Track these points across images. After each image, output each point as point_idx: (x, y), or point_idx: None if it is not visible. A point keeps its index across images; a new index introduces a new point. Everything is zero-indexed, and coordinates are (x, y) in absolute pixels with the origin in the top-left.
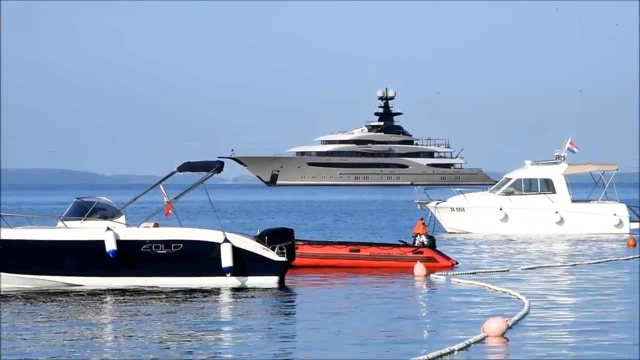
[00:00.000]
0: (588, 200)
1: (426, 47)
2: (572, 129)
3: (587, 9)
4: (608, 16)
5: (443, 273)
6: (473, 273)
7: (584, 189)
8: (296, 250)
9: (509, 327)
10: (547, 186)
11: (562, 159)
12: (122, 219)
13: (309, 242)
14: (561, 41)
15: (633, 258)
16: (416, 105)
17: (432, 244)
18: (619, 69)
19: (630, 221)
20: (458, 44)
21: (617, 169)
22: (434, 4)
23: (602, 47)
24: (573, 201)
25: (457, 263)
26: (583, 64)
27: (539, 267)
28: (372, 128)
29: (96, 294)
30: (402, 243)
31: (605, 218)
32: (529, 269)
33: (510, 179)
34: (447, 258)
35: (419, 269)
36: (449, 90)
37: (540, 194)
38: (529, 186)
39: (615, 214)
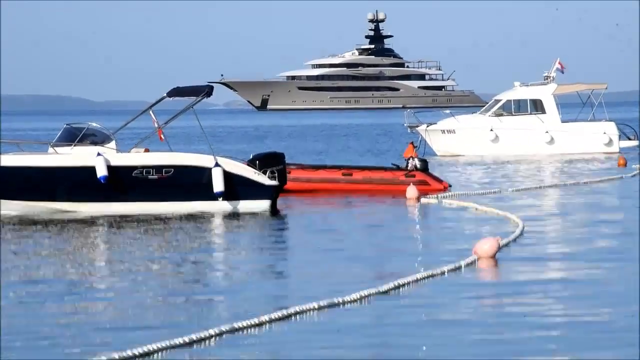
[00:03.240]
0: (578, 120)
1: None
2: (561, 49)
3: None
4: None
5: (435, 195)
6: (465, 195)
7: (572, 109)
8: (289, 175)
9: (501, 248)
10: (536, 107)
11: (551, 79)
12: (113, 144)
13: (302, 166)
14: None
15: (624, 177)
16: (408, 28)
17: (424, 167)
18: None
19: (620, 140)
20: None
21: (606, 88)
22: None
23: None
24: (563, 121)
25: (450, 185)
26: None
27: (531, 188)
28: (362, 51)
29: (88, 220)
30: (394, 166)
31: (595, 137)
32: (521, 190)
33: (500, 100)
34: (440, 181)
35: (411, 191)
36: (441, 13)
37: (530, 114)
38: (518, 107)
39: (605, 133)
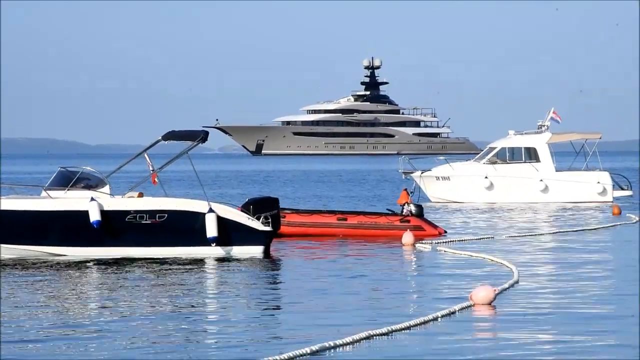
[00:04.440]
0: (571, 169)
1: (415, 17)
2: (557, 100)
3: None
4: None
5: (429, 241)
6: (460, 241)
7: (566, 157)
8: (284, 219)
9: (497, 295)
10: (531, 155)
11: (545, 128)
12: (107, 188)
13: (297, 211)
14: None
15: (618, 225)
16: (403, 75)
17: (420, 213)
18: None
19: (614, 189)
20: (446, 13)
21: (600, 138)
22: None
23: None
24: (557, 170)
25: (445, 232)
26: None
27: (525, 235)
28: (358, 97)
29: (80, 265)
30: (389, 212)
31: (589, 186)
32: (515, 236)
33: (494, 148)
34: (435, 226)
35: (407, 237)
36: (437, 61)
37: (524, 162)
38: (513, 155)
39: (599, 182)
